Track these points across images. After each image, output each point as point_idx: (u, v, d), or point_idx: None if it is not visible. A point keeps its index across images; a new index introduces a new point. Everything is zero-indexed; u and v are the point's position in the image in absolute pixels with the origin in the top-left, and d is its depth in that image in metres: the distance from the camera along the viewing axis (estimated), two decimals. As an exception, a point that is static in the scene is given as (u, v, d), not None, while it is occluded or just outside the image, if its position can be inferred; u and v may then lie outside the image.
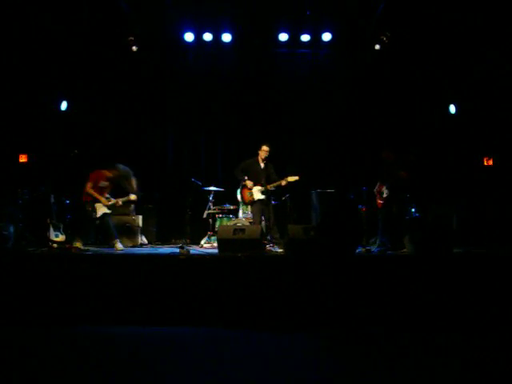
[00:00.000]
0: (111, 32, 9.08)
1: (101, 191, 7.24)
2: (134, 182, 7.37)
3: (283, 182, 7.38)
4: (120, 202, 7.42)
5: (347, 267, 5.08)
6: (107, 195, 7.34)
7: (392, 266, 5.26)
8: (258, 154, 7.67)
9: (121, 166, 7.39)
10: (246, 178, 7.59)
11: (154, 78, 9.85)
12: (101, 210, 7.14)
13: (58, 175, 8.79)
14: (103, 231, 7.62)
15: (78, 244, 7.05)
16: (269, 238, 7.41)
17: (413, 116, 9.36)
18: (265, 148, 7.58)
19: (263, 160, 7.60)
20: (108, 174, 7.33)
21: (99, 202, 7.14)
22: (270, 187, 7.46)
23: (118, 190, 7.56)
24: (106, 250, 7.01)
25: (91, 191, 7.13)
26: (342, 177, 9.27)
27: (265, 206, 7.45)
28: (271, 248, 7.08)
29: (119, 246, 7.04)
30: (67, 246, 7.08)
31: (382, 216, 7.11)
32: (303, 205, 8.81)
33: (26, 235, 7.52)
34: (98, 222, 7.22)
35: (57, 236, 7.50)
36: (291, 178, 7.34)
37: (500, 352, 3.89)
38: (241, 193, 7.86)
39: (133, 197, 7.41)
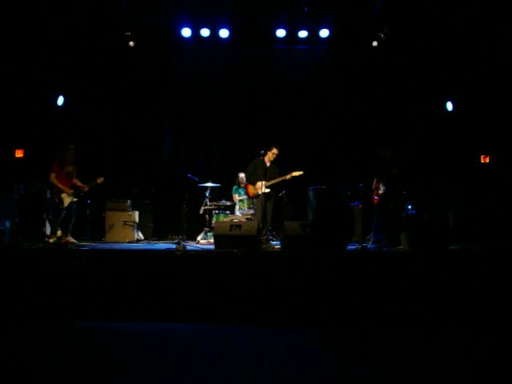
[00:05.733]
0: (109, 27, 9.05)
1: (66, 179, 7.17)
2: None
3: (288, 177, 7.46)
4: (87, 188, 7.39)
5: (341, 263, 5.09)
6: (74, 181, 7.28)
7: (388, 263, 5.27)
8: (265, 154, 7.68)
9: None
10: (247, 183, 7.74)
11: (151, 74, 9.83)
12: (67, 199, 7.11)
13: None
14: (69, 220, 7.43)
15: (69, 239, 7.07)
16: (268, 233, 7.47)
17: (410, 113, 9.37)
18: (275, 151, 7.64)
19: (270, 161, 7.64)
20: (68, 155, 7.27)
21: (64, 192, 7.10)
22: (271, 183, 7.47)
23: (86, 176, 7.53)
24: (101, 246, 7.00)
25: (55, 181, 7.05)
26: (334, 173, 9.30)
27: (267, 200, 7.46)
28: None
29: (71, 239, 7.06)
30: (63, 241, 7.07)
31: (378, 212, 7.12)
32: (300, 201, 8.82)
33: (21, 230, 7.51)
34: (65, 212, 7.14)
35: (53, 231, 7.49)
36: (296, 173, 7.42)
37: (496, 349, 3.91)
38: (245, 188, 7.89)
39: (100, 179, 7.39)
